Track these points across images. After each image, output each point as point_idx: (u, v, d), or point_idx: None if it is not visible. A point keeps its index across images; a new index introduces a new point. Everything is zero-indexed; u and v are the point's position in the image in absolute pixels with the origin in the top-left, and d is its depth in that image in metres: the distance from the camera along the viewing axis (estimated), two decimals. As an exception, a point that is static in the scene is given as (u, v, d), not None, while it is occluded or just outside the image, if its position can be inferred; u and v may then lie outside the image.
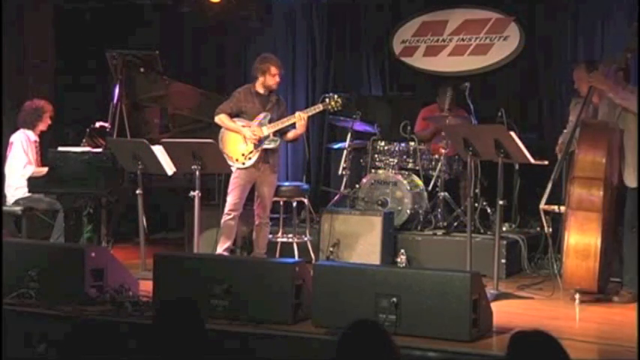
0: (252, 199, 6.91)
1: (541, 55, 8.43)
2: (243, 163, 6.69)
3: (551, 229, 5.96)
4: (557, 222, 6.27)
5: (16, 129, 7.50)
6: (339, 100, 6.72)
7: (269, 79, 6.74)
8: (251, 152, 6.71)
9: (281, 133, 6.76)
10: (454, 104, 7.86)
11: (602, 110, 6.01)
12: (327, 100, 6.80)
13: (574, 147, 5.90)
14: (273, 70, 6.73)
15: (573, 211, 5.82)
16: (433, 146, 7.81)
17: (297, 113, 6.68)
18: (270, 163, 6.77)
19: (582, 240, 5.75)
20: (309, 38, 9.44)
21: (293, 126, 6.74)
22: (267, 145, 6.70)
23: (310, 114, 6.71)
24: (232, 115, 6.82)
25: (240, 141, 6.73)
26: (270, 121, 6.70)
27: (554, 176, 5.97)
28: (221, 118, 6.80)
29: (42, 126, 7.52)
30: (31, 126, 7.45)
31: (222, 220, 6.74)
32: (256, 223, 6.88)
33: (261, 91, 6.80)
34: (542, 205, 6.00)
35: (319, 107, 6.76)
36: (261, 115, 6.73)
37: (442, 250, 7.08)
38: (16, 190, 7.32)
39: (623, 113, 5.87)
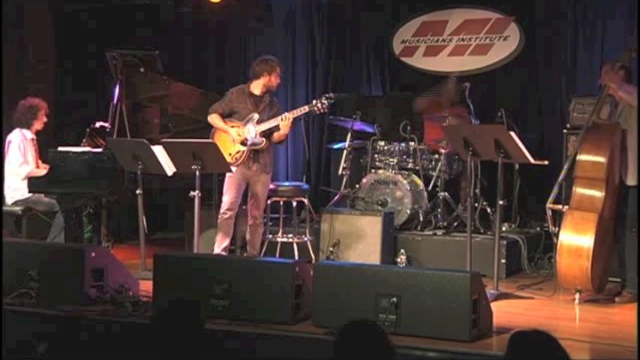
0: (245, 199, 6.92)
1: (541, 55, 8.43)
2: (233, 163, 6.70)
3: (557, 229, 5.95)
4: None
5: (11, 129, 7.48)
6: (325, 102, 6.71)
7: (274, 79, 6.77)
8: (238, 152, 6.73)
9: (269, 134, 6.76)
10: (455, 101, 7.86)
11: (605, 109, 6.02)
12: (314, 101, 6.80)
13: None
14: (279, 70, 6.81)
15: (571, 210, 5.84)
16: (433, 145, 7.80)
17: (283, 114, 6.68)
18: (261, 162, 6.76)
19: (576, 239, 5.76)
20: (309, 38, 9.43)
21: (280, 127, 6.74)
22: (253, 146, 6.71)
23: (295, 115, 6.70)
24: (225, 115, 6.83)
25: (229, 141, 6.75)
26: (258, 122, 6.71)
27: (563, 175, 5.98)
28: (212, 118, 6.84)
29: (38, 124, 7.48)
30: (27, 125, 7.42)
31: (220, 219, 6.75)
32: (250, 223, 6.87)
33: (256, 91, 6.81)
34: (549, 204, 6.00)
35: (305, 109, 6.76)
36: (250, 116, 6.74)
37: (442, 250, 7.08)
38: (14, 191, 7.30)
39: (625, 113, 5.89)
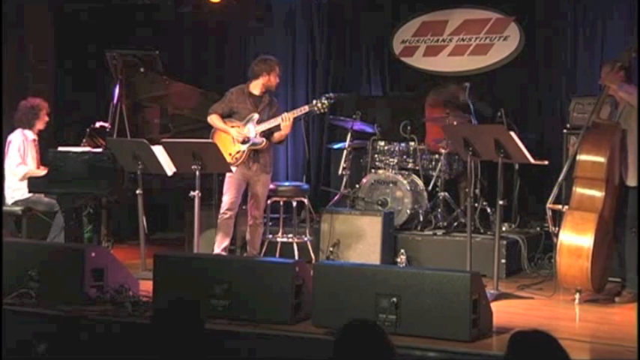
0: (245, 199, 6.92)
1: (541, 55, 8.43)
2: (233, 163, 6.70)
3: (557, 229, 5.95)
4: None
5: (13, 129, 7.48)
6: (325, 102, 6.73)
7: (274, 78, 6.78)
8: (238, 152, 6.73)
9: (269, 134, 6.76)
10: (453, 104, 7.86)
11: (605, 109, 6.02)
12: (314, 101, 6.82)
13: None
14: (278, 70, 6.81)
15: (571, 210, 5.84)
16: (433, 146, 7.80)
17: (283, 114, 6.69)
18: (261, 162, 6.77)
19: (576, 239, 5.76)
20: (309, 38, 9.43)
21: (280, 127, 6.74)
22: (253, 146, 6.71)
23: (295, 115, 6.71)
24: (225, 115, 6.83)
25: (229, 141, 6.75)
26: (258, 122, 6.72)
27: (563, 175, 5.98)
28: (212, 119, 6.84)
29: (40, 124, 7.50)
30: (29, 125, 7.43)
31: (220, 219, 6.76)
32: (250, 223, 6.87)
33: (255, 91, 6.81)
34: (549, 204, 6.00)
35: (305, 109, 6.78)
36: (250, 116, 6.75)
37: (442, 250, 7.08)
38: (14, 191, 7.31)
39: (625, 113, 5.89)
